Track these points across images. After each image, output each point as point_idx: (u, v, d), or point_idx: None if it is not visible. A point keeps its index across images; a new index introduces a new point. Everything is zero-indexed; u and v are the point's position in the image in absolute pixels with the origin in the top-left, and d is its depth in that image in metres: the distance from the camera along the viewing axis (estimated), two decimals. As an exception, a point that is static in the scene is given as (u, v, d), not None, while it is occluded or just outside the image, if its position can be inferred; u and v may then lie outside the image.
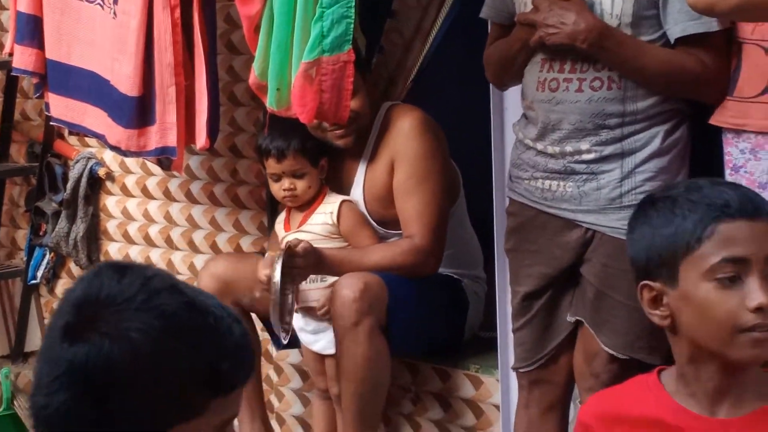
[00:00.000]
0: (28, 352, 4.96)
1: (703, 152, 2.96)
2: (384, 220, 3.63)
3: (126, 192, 4.65)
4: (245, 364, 1.45)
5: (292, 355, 4.08)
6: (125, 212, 4.66)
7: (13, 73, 4.43)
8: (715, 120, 2.89)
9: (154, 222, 4.57)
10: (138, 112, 3.83)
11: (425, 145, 3.54)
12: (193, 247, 4.40)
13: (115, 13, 3.87)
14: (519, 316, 3.05)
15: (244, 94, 4.16)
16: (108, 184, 4.70)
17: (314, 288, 3.54)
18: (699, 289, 1.82)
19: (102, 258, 4.70)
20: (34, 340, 4.94)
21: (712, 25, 2.75)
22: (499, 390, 3.51)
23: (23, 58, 4.16)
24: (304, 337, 3.64)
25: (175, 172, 4.25)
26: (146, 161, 4.41)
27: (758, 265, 1.80)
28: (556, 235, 2.94)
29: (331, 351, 3.53)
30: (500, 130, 3.37)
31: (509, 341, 3.22)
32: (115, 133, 3.91)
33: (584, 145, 2.87)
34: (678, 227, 1.84)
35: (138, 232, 4.62)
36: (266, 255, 3.59)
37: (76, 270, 4.83)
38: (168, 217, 4.52)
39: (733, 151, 2.87)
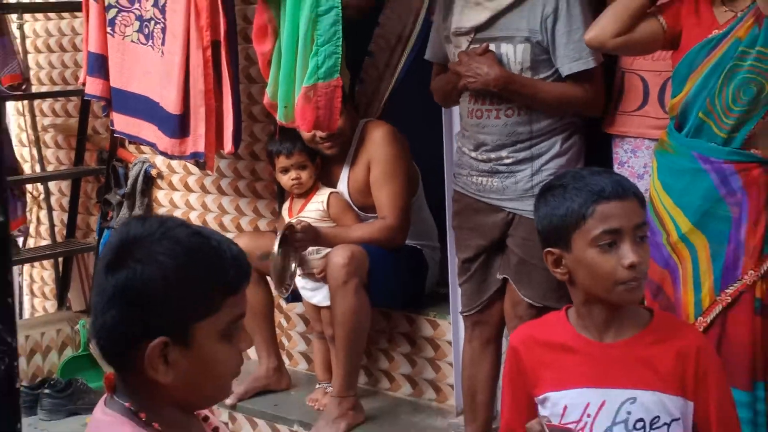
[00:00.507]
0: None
1: (598, 152, 2.95)
2: (363, 206, 3.62)
3: (172, 187, 4.63)
4: (244, 270, 1.44)
5: (298, 307, 4.06)
6: (171, 202, 4.64)
7: (85, 98, 4.36)
8: (606, 128, 2.93)
9: (194, 209, 4.54)
10: (179, 126, 3.81)
11: (393, 151, 3.54)
12: (223, 228, 4.35)
13: (162, 53, 3.85)
14: (462, 275, 3.06)
15: (260, 113, 4.12)
16: (158, 181, 4.68)
17: (313, 258, 3.53)
18: (587, 253, 1.83)
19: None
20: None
21: (589, 62, 2.76)
22: (451, 330, 3.54)
23: (93, 87, 4.12)
24: (305, 294, 3.63)
25: (208, 172, 4.23)
26: (187, 163, 4.38)
27: (629, 233, 1.82)
28: (487, 217, 2.95)
29: (326, 303, 3.52)
30: (450, 139, 3.37)
31: (458, 294, 3.21)
32: (163, 142, 3.90)
33: (504, 153, 2.89)
34: (568, 208, 1.85)
35: (182, 217, 4.55)
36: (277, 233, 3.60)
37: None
38: (204, 206, 4.49)
39: (620, 151, 2.91)
